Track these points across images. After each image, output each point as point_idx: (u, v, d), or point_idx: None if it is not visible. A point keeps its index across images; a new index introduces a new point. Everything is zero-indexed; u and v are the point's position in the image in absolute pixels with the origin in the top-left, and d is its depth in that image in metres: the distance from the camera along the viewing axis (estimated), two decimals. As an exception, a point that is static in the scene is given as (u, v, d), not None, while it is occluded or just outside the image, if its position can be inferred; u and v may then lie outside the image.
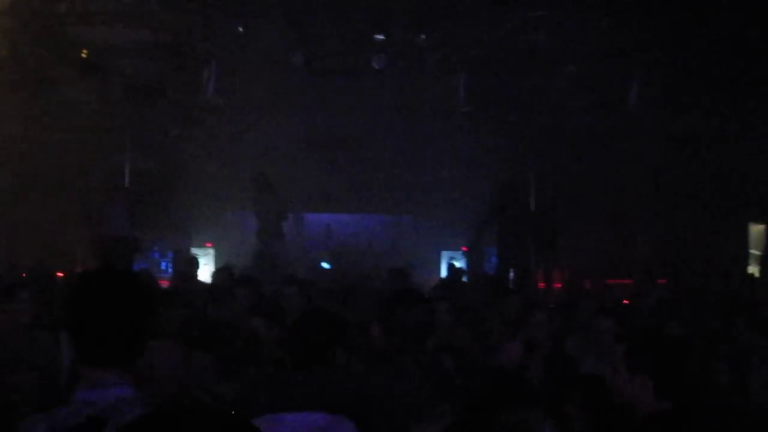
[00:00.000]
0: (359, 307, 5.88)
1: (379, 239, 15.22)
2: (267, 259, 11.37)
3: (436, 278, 11.85)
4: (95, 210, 10.99)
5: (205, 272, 11.45)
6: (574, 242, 12.42)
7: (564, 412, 3.49)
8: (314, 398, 2.60)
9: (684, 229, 12.58)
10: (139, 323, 2.22)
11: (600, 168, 12.58)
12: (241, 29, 11.25)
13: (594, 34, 10.53)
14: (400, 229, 15.20)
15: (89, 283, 2.27)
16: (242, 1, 11.04)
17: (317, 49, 11.59)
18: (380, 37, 11.43)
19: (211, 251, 13.70)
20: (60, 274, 9.99)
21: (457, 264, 12.20)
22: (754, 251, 12.70)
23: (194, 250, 12.87)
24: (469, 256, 12.62)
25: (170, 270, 12.49)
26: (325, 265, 13.44)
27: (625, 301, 8.61)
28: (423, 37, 11.41)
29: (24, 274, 8.93)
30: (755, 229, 12.97)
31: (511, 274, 10.53)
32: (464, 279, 10.90)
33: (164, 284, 9.30)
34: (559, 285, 11.22)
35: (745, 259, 12.73)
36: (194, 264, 10.27)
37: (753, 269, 12.42)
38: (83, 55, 11.42)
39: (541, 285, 11.07)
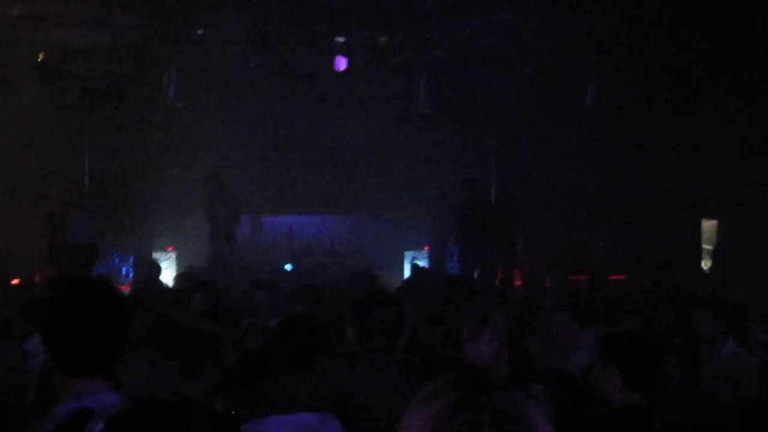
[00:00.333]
0: (328, 308, 5.95)
1: (342, 240, 15.28)
2: (220, 262, 11.38)
3: (399, 278, 11.94)
4: (56, 215, 10.85)
5: (167, 276, 11.39)
6: (534, 241, 12.67)
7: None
8: (300, 400, 2.69)
9: (639, 225, 12.89)
10: (117, 330, 2.23)
11: (558, 168, 12.82)
12: (200, 32, 11.19)
13: (552, 38, 10.76)
14: (362, 230, 15.26)
15: (66, 293, 2.27)
16: (202, 4, 11.00)
17: (278, 51, 11.60)
18: (341, 39, 11.50)
19: (173, 255, 13.61)
20: (16, 281, 9.85)
21: (420, 263, 12.32)
22: (707, 246, 13.09)
23: (156, 254, 12.78)
24: (431, 255, 12.76)
25: (131, 275, 12.36)
26: (287, 266, 13.46)
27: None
28: (384, 39, 11.50)
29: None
30: (707, 225, 13.36)
31: (475, 274, 10.67)
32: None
33: (125, 289, 9.19)
34: (519, 283, 11.41)
35: (698, 254, 13.11)
36: (156, 268, 10.22)
37: (706, 263, 12.82)
38: (39, 58, 11.27)
39: (501, 283, 11.23)
